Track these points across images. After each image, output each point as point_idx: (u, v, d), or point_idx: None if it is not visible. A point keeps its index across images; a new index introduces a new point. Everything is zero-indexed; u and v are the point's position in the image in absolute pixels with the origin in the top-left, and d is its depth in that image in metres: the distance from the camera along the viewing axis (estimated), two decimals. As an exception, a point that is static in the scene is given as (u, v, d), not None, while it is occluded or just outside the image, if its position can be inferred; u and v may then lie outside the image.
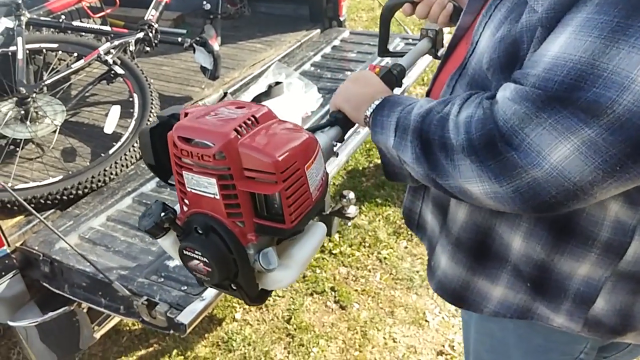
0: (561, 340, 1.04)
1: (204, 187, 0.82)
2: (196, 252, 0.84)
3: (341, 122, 1.04)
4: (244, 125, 0.81)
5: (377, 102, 0.95)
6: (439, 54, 1.26)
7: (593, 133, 0.68)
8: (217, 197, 0.82)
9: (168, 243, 0.92)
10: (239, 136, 0.80)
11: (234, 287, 0.89)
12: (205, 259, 0.84)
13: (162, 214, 0.86)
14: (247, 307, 2.45)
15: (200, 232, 0.85)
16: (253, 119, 0.83)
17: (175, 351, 2.27)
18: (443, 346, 2.26)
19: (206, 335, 2.34)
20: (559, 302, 0.95)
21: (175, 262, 1.68)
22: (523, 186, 0.73)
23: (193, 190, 0.84)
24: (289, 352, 2.25)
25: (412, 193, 1.18)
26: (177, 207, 0.91)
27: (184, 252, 0.85)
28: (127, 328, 2.38)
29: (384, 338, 2.30)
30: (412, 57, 1.23)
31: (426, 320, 2.37)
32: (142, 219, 0.88)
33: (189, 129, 0.82)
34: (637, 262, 0.88)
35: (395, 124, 0.88)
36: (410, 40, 3.10)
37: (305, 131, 0.87)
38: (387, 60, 2.57)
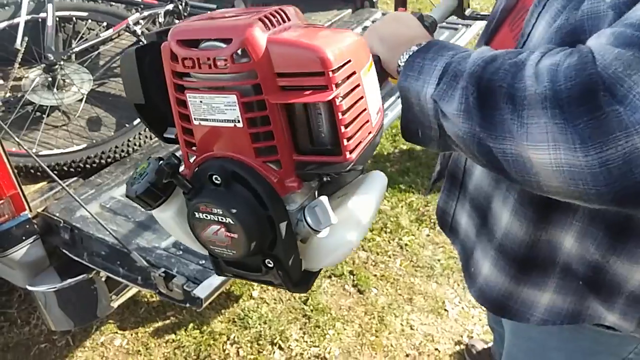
0: (610, 342, 0.97)
1: (219, 113, 0.60)
2: (214, 210, 0.61)
3: (377, 66, 0.79)
4: (269, 17, 0.60)
5: (421, 44, 0.75)
6: (467, 13, 1.18)
7: None
8: (240, 124, 0.59)
9: (170, 215, 0.68)
10: (265, 28, 0.58)
11: (270, 264, 0.65)
12: (228, 220, 0.60)
13: (160, 163, 0.63)
14: (264, 285, 2.44)
15: (217, 181, 0.62)
16: (282, 12, 0.62)
17: (191, 325, 2.27)
18: (461, 336, 2.22)
19: (222, 311, 2.34)
20: (613, 301, 0.87)
21: (194, 235, 1.66)
22: (617, 157, 0.55)
23: (203, 123, 0.61)
24: (304, 333, 2.24)
25: (447, 193, 1.09)
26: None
27: (196, 214, 0.62)
28: (145, 299, 2.39)
29: (401, 325, 2.27)
30: (441, 12, 1.08)
31: (445, 310, 2.33)
32: (132, 183, 0.65)
33: (193, 28, 0.60)
34: None
35: (442, 69, 0.69)
36: (445, 24, 3.02)
37: (353, 32, 0.65)
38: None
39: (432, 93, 0.69)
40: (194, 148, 0.64)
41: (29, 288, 1.69)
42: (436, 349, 2.17)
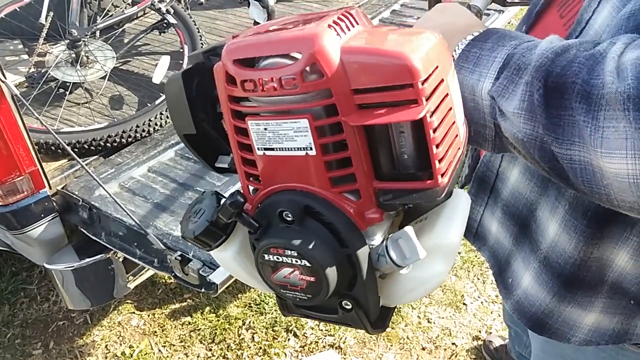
0: None
1: (287, 141, 0.51)
2: (287, 252, 0.54)
3: None
4: (338, 22, 0.50)
5: (476, 33, 0.66)
6: (508, 0, 1.11)
7: None
8: (312, 152, 0.50)
9: (231, 254, 0.60)
10: (337, 36, 0.49)
11: (347, 306, 0.57)
12: (304, 262, 0.53)
13: (221, 203, 0.55)
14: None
15: (288, 219, 0.54)
16: (349, 15, 0.52)
17: (207, 308, 2.27)
18: (479, 332, 2.17)
19: (239, 295, 2.33)
20: None
21: (213, 219, 1.64)
22: None
23: (268, 153, 0.53)
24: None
25: (473, 198, 0.99)
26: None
27: (265, 257, 0.55)
28: (163, 281, 2.39)
29: (419, 317, 2.23)
30: (484, 1, 1.01)
31: (464, 304, 2.28)
32: (187, 221, 0.58)
33: (251, 44, 0.50)
34: None
35: (502, 60, 0.60)
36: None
37: (429, 31, 0.55)
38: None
39: (489, 88, 0.60)
40: (256, 181, 0.56)
41: (47, 266, 1.69)
42: (453, 344, 2.13)
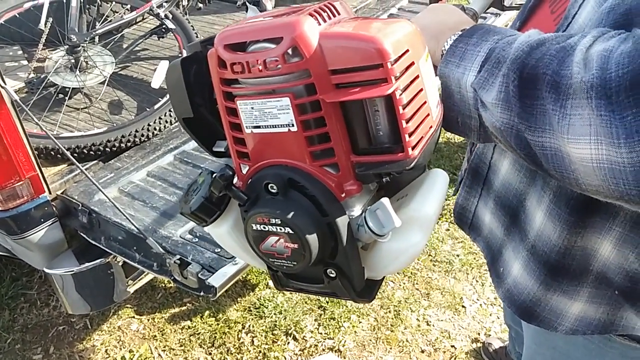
0: (639, 357, 0.92)
1: (272, 119, 0.56)
2: (273, 221, 0.58)
3: None
4: (319, 11, 0.57)
5: (462, 30, 0.70)
6: (506, 4, 1.12)
7: None
8: (294, 128, 0.56)
9: (226, 229, 0.65)
10: (316, 24, 0.55)
11: (332, 274, 0.62)
12: (287, 229, 0.58)
13: (213, 175, 0.61)
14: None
15: (273, 190, 0.59)
16: (331, 6, 0.59)
17: (207, 312, 2.27)
18: (479, 334, 2.18)
19: (239, 299, 2.33)
20: None
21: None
22: None
23: (255, 130, 0.58)
24: (319, 324, 2.22)
25: (467, 189, 1.04)
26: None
27: (254, 226, 0.60)
28: (162, 285, 2.40)
29: (417, 320, 2.24)
30: (482, 4, 1.04)
31: (463, 306, 2.29)
32: (185, 199, 0.63)
33: (240, 31, 0.56)
34: None
35: (485, 55, 0.64)
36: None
37: (407, 21, 0.62)
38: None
39: (472, 81, 0.64)
40: (246, 158, 0.61)
41: (46, 271, 1.69)
42: (452, 346, 2.13)
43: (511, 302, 0.95)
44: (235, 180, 0.63)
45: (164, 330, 2.23)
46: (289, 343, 2.16)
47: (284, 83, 0.55)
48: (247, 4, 2.51)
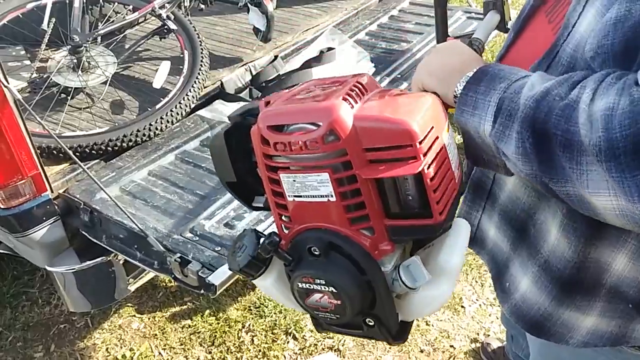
0: None
1: (312, 190, 0.63)
2: (317, 281, 0.65)
3: None
4: (351, 93, 0.62)
5: (470, 74, 0.73)
6: (508, 26, 1.14)
7: None
8: (333, 198, 0.62)
9: (270, 282, 0.72)
10: (350, 107, 0.60)
11: (370, 323, 0.69)
12: (331, 288, 0.64)
13: (261, 242, 0.66)
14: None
15: (316, 253, 0.65)
16: (360, 85, 0.65)
17: (207, 311, 2.29)
18: (478, 334, 2.19)
19: (239, 298, 2.34)
20: None
21: (212, 222, 1.66)
22: None
23: (297, 199, 0.64)
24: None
25: (469, 203, 1.03)
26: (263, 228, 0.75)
27: (299, 285, 0.66)
28: (163, 284, 2.41)
29: (417, 320, 2.24)
30: (486, 31, 1.04)
31: (462, 307, 2.29)
32: (233, 256, 0.68)
33: (281, 113, 0.63)
34: None
35: (496, 105, 0.67)
36: (474, 14, 2.94)
37: (426, 93, 0.69)
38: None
39: (489, 131, 0.67)
40: (288, 220, 0.67)
41: (48, 268, 1.71)
42: (451, 346, 2.14)
43: (519, 317, 0.93)
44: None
45: (164, 329, 2.24)
46: (288, 342, 2.17)
47: (323, 160, 0.61)
48: (249, 5, 2.52)
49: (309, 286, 0.66)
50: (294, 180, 0.63)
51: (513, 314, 0.95)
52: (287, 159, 0.63)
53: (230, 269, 0.70)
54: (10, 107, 1.48)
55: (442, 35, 1.18)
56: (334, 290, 0.64)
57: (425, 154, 0.59)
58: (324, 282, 0.64)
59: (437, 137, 0.62)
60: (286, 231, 0.68)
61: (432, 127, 0.61)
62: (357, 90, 0.63)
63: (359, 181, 0.61)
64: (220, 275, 1.45)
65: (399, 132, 0.58)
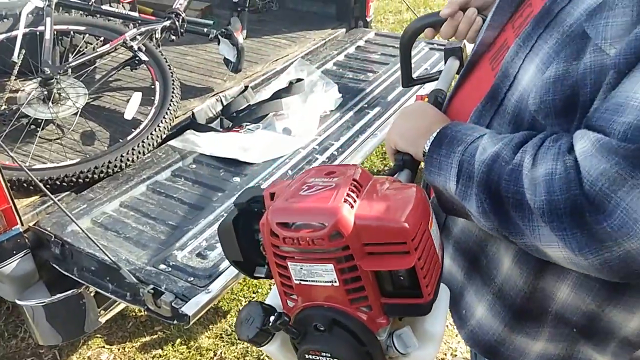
0: None
1: (318, 276, 0.71)
2: (323, 353, 0.73)
3: (409, 164, 0.93)
4: (351, 194, 0.71)
5: (433, 136, 0.83)
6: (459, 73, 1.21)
7: None
8: (336, 283, 0.71)
9: (275, 347, 0.80)
10: (350, 208, 0.69)
11: None
12: (334, 359, 0.73)
13: (272, 319, 0.74)
14: (252, 300, 2.45)
15: (321, 329, 0.73)
16: (356, 183, 0.73)
17: (178, 340, 2.28)
18: (445, 354, 2.24)
19: (210, 326, 2.35)
20: (606, 345, 0.88)
21: (184, 253, 1.68)
22: (613, 259, 0.63)
23: (303, 282, 0.73)
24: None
25: None
26: (270, 300, 0.82)
27: (307, 356, 0.75)
28: (133, 314, 2.40)
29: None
30: (447, 80, 1.14)
31: (431, 329, 2.35)
32: (243, 327, 0.75)
33: (289, 210, 0.71)
34: None
35: (457, 167, 0.76)
36: (436, 46, 3.06)
37: (411, 185, 0.77)
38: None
39: (454, 190, 0.77)
40: (293, 297, 0.76)
41: (18, 302, 1.69)
42: (421, 369, 2.18)
43: (475, 343, 0.99)
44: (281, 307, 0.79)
45: (134, 359, 2.23)
46: (261, 370, 2.19)
47: (328, 254, 0.69)
48: (220, 37, 2.57)
49: (316, 357, 0.74)
50: (301, 268, 0.72)
51: (469, 340, 1.00)
52: (295, 249, 0.70)
53: (238, 338, 0.84)
54: (-19, 142, 1.49)
55: (406, 77, 1.26)
56: None
57: (416, 249, 0.68)
58: (329, 355, 0.73)
59: (425, 231, 0.70)
60: (291, 304, 0.77)
61: (422, 223, 0.69)
62: (355, 190, 0.72)
63: (359, 270, 0.69)
64: (194, 306, 1.47)
65: (394, 231, 0.67)
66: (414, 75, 1.27)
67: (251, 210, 0.80)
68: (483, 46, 0.95)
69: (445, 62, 1.20)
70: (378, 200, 0.72)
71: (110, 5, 2.82)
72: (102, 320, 1.82)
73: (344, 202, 0.69)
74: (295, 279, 0.73)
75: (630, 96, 0.62)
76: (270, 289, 2.04)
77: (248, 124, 2.32)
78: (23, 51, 2.21)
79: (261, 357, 2.21)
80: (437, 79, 1.20)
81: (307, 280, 0.72)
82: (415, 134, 0.88)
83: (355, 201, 0.70)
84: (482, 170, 0.72)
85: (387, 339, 0.74)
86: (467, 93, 0.95)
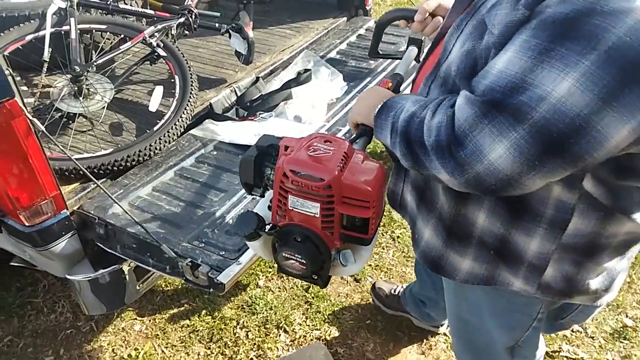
0: (521, 302, 1.25)
1: (307, 208, 1.07)
2: (295, 255, 1.11)
3: (366, 132, 1.25)
4: (341, 162, 1.06)
5: (377, 108, 1.13)
6: (421, 59, 1.48)
7: (518, 135, 0.83)
8: (317, 215, 1.07)
9: (257, 244, 1.19)
10: (340, 172, 1.04)
11: (315, 277, 1.17)
12: (302, 260, 1.11)
13: (267, 227, 1.12)
14: (269, 275, 2.67)
15: (298, 240, 1.11)
16: (345, 155, 1.08)
17: (204, 311, 2.50)
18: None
19: (232, 298, 2.57)
20: (517, 268, 1.13)
21: (214, 230, 1.89)
22: (471, 179, 0.90)
23: (295, 209, 1.09)
24: (306, 318, 2.48)
25: (395, 178, 1.37)
26: (258, 210, 1.17)
27: (283, 254, 1.12)
28: (161, 288, 2.61)
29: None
30: (406, 65, 1.49)
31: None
32: (240, 226, 1.12)
33: (300, 163, 1.05)
34: (577, 235, 1.06)
35: (390, 126, 1.06)
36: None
37: (377, 162, 1.12)
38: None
39: (389, 142, 1.08)
40: (283, 216, 1.12)
41: (68, 277, 1.90)
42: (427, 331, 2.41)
43: (425, 259, 1.27)
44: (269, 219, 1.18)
45: (165, 329, 2.44)
46: (280, 335, 2.41)
47: (318, 197, 1.06)
48: (231, 31, 2.75)
49: (289, 256, 1.12)
50: (297, 201, 1.08)
51: (421, 257, 1.29)
52: (297, 188, 1.05)
53: (235, 232, 1.39)
54: (34, 138, 1.68)
55: (374, 50, 1.64)
56: (303, 260, 1.10)
57: (374, 206, 1.06)
58: (300, 257, 1.10)
59: (380, 194, 1.08)
60: (278, 219, 1.14)
61: (381, 189, 1.06)
62: (344, 159, 1.07)
63: (334, 210, 1.07)
64: (228, 275, 1.68)
65: (364, 193, 1.05)
66: (379, 50, 1.66)
67: (268, 153, 1.17)
68: (444, 29, 1.19)
69: (407, 47, 1.56)
70: (356, 170, 1.08)
71: (125, 3, 2.99)
72: (142, 291, 2.03)
73: (337, 166, 1.04)
74: (290, 206, 1.09)
75: (492, 66, 0.87)
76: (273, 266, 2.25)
77: (262, 112, 2.49)
78: (50, 49, 2.37)
79: (280, 325, 2.44)
80: (397, 57, 1.60)
81: (297, 209, 1.08)
82: (368, 110, 1.18)
83: (343, 168, 1.06)
84: (402, 124, 1.01)
85: (336, 254, 1.13)
86: (428, 66, 1.21)
